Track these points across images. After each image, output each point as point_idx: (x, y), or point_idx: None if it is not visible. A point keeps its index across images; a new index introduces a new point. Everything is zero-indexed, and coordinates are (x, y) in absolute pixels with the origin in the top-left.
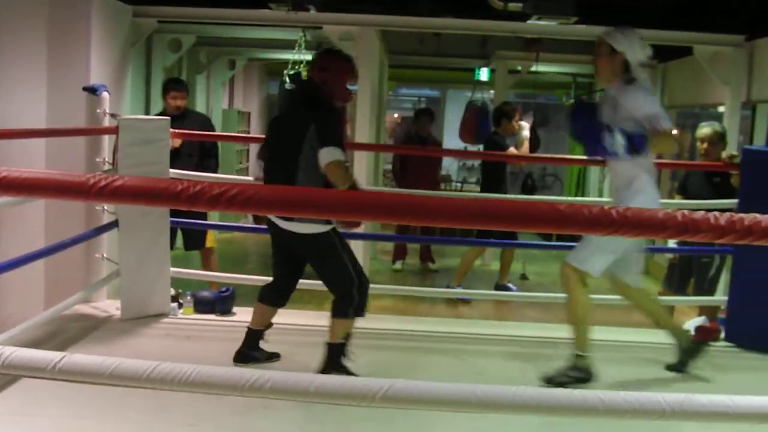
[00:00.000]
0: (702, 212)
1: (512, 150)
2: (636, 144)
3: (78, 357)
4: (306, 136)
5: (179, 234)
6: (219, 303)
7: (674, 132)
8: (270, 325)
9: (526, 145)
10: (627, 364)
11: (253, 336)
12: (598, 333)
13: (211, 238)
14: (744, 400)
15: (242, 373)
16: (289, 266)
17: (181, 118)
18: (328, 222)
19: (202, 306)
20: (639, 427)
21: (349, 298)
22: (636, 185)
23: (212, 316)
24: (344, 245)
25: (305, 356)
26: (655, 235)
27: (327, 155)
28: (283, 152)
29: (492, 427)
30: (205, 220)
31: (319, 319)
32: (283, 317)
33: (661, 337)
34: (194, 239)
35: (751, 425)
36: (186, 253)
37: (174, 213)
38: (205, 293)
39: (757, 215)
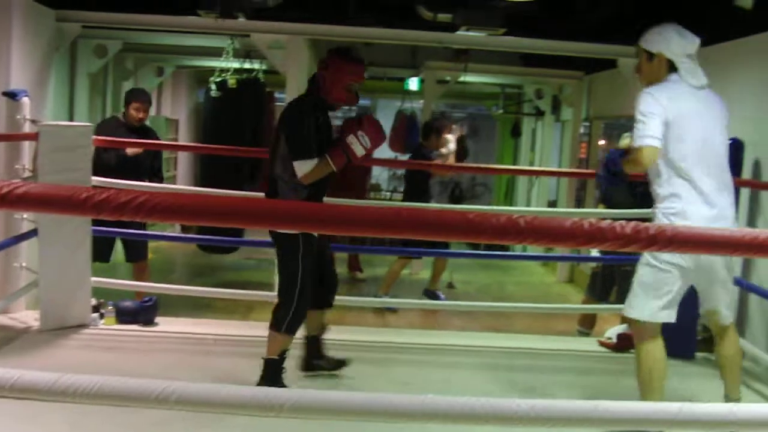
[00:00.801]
0: (609, 221)
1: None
2: (610, 165)
3: None
4: (280, 144)
5: (118, 245)
6: (142, 313)
7: (641, 146)
8: (323, 328)
9: (451, 159)
10: (544, 371)
11: (311, 342)
12: (525, 341)
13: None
14: (609, 405)
15: (147, 385)
16: None
17: (143, 131)
18: None
19: (125, 316)
20: None
21: (285, 309)
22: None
23: (135, 327)
24: (312, 256)
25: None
26: (563, 244)
27: (297, 169)
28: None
29: None
30: (145, 229)
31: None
32: (223, 328)
33: (581, 344)
34: (137, 250)
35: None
36: (111, 264)
37: (113, 223)
38: (128, 303)
39: (663, 224)
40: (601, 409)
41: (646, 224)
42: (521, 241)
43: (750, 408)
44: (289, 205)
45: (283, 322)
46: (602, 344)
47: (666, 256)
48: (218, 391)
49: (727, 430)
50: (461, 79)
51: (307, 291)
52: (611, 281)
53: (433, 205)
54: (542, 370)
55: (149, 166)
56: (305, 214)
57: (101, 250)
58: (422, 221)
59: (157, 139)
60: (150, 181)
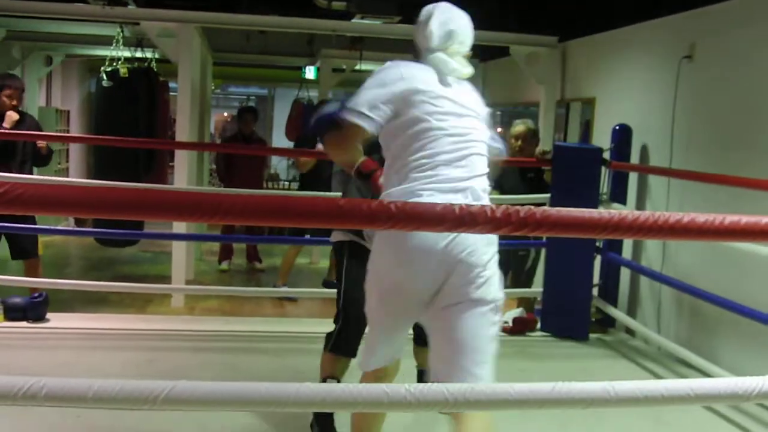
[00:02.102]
0: (480, 205)
1: None
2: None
3: None
4: None
5: (3, 241)
6: (31, 309)
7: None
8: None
9: None
10: None
11: (421, 376)
12: None
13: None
14: (523, 387)
15: (15, 381)
16: None
17: (18, 119)
18: (352, 232)
19: (13, 313)
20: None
21: (335, 326)
22: None
23: (24, 324)
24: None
25: (141, 362)
26: (433, 229)
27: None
28: None
29: None
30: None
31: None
32: (118, 322)
33: None
34: (23, 247)
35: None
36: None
37: None
38: (16, 299)
39: (532, 208)
40: (477, 391)
41: (517, 207)
42: (392, 226)
43: (626, 385)
44: (147, 193)
45: (329, 340)
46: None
47: None
48: (90, 387)
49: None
50: (357, 67)
51: (355, 310)
52: (506, 266)
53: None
54: None
55: (32, 153)
56: (146, 201)
57: None
58: (292, 209)
59: (35, 127)
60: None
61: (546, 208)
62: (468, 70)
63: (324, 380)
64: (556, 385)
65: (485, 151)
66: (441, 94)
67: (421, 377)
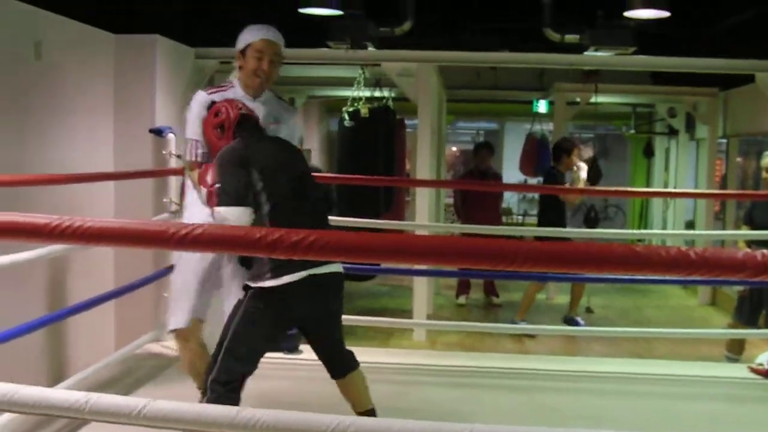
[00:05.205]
0: None
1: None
2: None
3: (162, 403)
4: None
5: None
6: (286, 341)
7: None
8: None
9: (581, 185)
10: (695, 399)
11: None
12: (669, 367)
13: None
14: None
15: (323, 419)
16: None
17: None
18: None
19: None
20: None
21: None
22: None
23: (280, 355)
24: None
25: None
26: (734, 276)
27: None
28: None
29: None
30: None
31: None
32: (364, 355)
33: (729, 371)
34: None
35: None
36: None
37: None
38: None
39: None
40: None
41: None
42: (691, 273)
43: None
44: (432, 240)
45: None
46: (753, 371)
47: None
48: (391, 425)
49: None
50: (592, 100)
51: None
52: (759, 305)
53: (569, 230)
54: (692, 398)
55: None
56: (462, 249)
57: None
58: (588, 255)
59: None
60: None
61: None
62: None
63: None
64: None
65: None
66: None
67: None
